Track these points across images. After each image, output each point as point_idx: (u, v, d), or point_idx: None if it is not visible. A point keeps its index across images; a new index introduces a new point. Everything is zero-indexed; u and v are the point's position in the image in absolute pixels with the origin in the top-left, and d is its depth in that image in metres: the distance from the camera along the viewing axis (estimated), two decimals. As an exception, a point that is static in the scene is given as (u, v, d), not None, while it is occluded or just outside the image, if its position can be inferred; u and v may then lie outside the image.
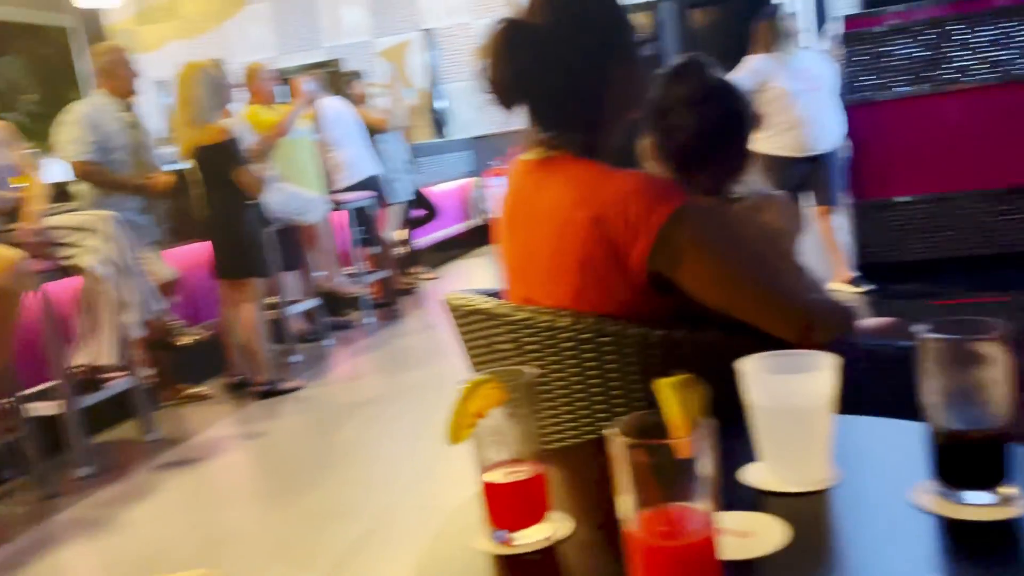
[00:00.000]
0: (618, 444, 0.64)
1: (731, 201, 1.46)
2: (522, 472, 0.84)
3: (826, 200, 4.23)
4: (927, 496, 0.83)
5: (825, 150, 4.15)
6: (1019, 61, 4.23)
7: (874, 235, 4.56)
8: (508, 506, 0.86)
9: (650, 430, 0.66)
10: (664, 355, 1.31)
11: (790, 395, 0.90)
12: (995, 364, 0.85)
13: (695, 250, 1.26)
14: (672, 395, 0.70)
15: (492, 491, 0.85)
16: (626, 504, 0.64)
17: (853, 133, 4.40)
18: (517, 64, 1.21)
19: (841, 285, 4.34)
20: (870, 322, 1.68)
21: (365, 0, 8.99)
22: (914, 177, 4.47)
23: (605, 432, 0.67)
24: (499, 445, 0.85)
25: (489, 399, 0.84)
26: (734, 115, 1.48)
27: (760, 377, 0.90)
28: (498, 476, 0.84)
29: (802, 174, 4.21)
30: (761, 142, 4.21)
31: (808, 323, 1.36)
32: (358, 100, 5.87)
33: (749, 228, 1.43)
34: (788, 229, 1.48)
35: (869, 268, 4.49)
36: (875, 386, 1.34)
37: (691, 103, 1.45)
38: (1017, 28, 4.20)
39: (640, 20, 7.71)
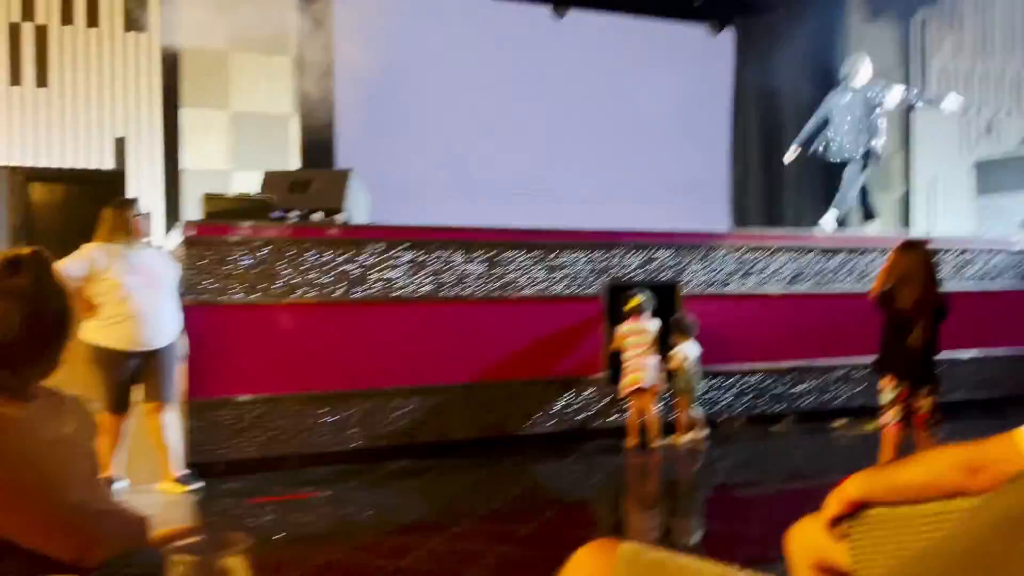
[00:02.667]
0: None
1: (31, 403, 1.33)
2: None
3: (157, 396, 4.17)
4: None
5: (159, 346, 4.14)
6: (338, 286, 4.95)
7: (208, 433, 4.64)
8: None
9: None
10: None
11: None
12: (239, 577, 0.89)
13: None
14: None
15: None
16: None
17: (193, 332, 4.52)
18: None
19: (168, 484, 4.24)
20: (168, 531, 1.65)
21: None
22: (248, 378, 4.75)
23: None
24: None
25: None
26: (62, 317, 1.42)
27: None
28: None
29: (134, 368, 4.11)
30: (91, 332, 4.01)
31: (91, 538, 1.27)
32: None
33: (37, 436, 1.31)
34: (79, 435, 1.40)
35: (202, 466, 4.51)
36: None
37: (23, 299, 1.34)
38: (338, 256, 4.95)
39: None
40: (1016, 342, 6.75)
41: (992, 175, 8.14)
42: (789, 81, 8.88)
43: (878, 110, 6.67)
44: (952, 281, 6.57)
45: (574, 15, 8.47)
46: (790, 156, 7.15)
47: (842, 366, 6.19)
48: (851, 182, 6.85)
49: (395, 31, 7.89)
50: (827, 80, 8.62)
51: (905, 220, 8.90)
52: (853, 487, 1.49)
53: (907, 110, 6.85)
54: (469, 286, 5.27)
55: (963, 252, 6.67)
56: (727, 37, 9.45)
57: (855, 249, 6.30)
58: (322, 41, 7.01)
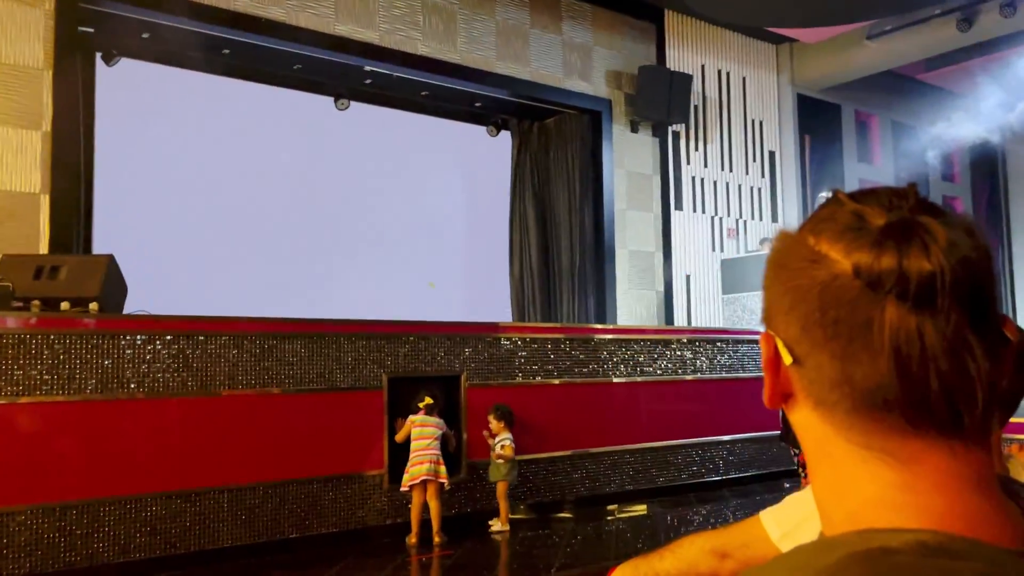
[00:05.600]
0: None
1: None
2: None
3: None
4: None
5: None
6: (89, 382, 4.47)
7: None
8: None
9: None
10: None
11: None
12: None
13: None
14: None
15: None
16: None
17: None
18: None
19: None
20: None
21: None
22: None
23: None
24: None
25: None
26: None
27: None
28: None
29: None
30: None
31: None
32: None
33: None
34: None
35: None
36: None
37: None
38: (91, 349, 4.48)
39: None
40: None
41: (735, 274, 9.05)
42: (561, 183, 9.46)
43: None
44: (709, 372, 7.13)
45: (357, 107, 8.54)
46: None
47: (613, 453, 6.44)
48: None
49: (167, 110, 7.54)
50: (596, 184, 9.27)
51: (666, 312, 9.61)
52: (619, 576, 1.51)
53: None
54: (239, 380, 4.96)
55: (716, 343, 7.28)
56: (505, 137, 9.93)
57: (626, 341, 6.68)
58: (82, 117, 6.52)
